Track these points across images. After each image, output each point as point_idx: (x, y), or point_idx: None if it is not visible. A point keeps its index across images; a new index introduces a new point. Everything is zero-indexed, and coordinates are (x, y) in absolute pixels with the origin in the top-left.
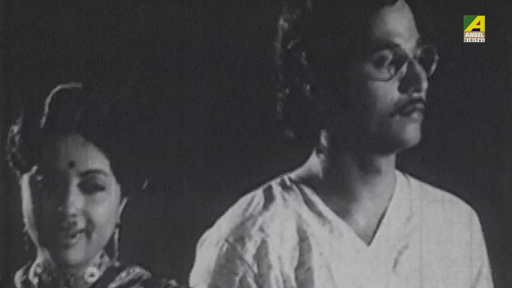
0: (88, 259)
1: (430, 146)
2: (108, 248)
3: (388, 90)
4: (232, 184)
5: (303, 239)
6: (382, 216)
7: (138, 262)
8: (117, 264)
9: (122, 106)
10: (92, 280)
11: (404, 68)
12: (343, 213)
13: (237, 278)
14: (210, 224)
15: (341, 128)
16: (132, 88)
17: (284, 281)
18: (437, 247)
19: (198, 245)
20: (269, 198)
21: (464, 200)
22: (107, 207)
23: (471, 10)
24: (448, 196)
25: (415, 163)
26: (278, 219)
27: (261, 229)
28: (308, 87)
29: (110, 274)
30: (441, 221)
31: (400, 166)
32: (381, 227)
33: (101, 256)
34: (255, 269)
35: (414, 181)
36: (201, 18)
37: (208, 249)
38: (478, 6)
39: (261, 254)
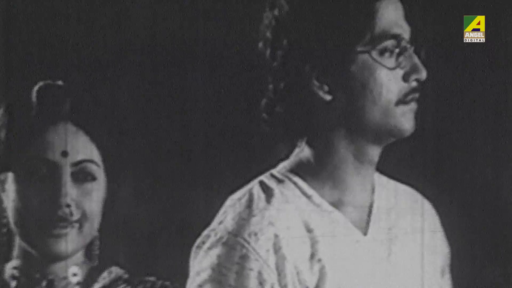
0: (77, 251)
1: (430, 146)
2: (88, 248)
3: (392, 80)
4: (233, 183)
5: (309, 231)
6: (371, 206)
7: (116, 263)
8: (96, 264)
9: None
10: (75, 280)
11: (404, 58)
12: (337, 204)
13: (253, 274)
14: (208, 224)
15: (342, 118)
16: (131, 88)
17: (298, 274)
18: (419, 234)
19: (196, 245)
20: (268, 192)
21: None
22: (98, 198)
23: (471, 10)
24: (403, 185)
25: (415, 163)
26: (283, 213)
27: (271, 223)
28: (314, 77)
29: (92, 274)
30: (411, 210)
31: (398, 165)
32: (372, 217)
33: (84, 255)
34: (271, 263)
35: (377, 173)
36: (201, 16)
37: (214, 247)
38: (478, 6)
39: (275, 248)
